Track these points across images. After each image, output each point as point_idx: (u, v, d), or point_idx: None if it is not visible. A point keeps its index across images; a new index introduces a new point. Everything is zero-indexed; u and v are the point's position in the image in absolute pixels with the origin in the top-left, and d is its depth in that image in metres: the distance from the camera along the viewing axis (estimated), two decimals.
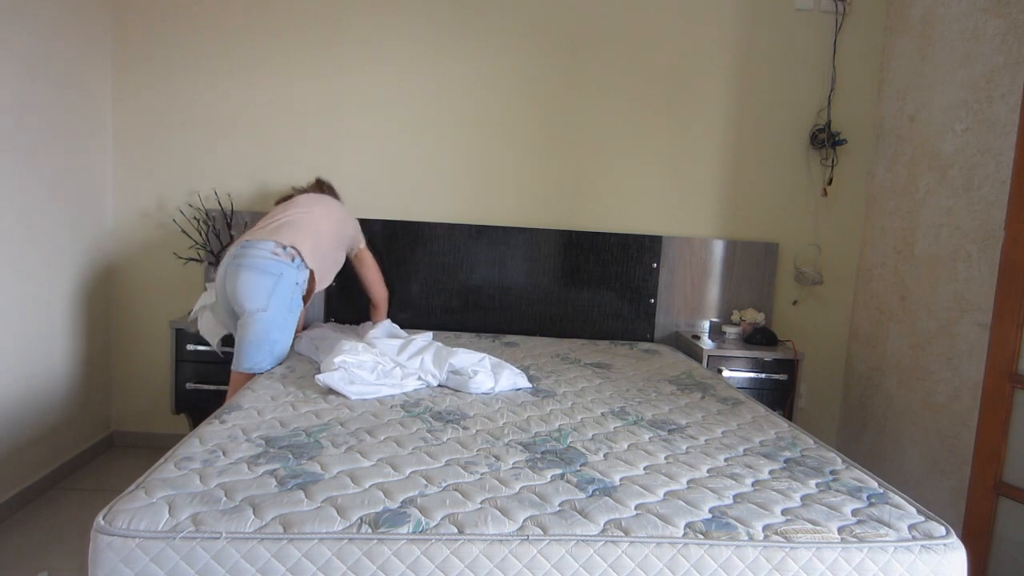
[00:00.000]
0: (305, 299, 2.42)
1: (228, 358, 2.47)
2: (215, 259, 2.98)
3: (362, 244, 2.73)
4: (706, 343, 2.92)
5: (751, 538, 1.26)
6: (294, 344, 2.49)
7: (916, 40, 2.87)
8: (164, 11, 2.99)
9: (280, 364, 2.31)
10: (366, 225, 3.05)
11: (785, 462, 1.64)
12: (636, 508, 1.34)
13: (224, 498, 1.28)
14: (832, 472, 1.59)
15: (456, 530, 1.22)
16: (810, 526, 1.30)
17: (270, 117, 3.06)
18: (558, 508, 1.32)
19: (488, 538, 1.21)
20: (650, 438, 1.77)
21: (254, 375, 2.24)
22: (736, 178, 3.20)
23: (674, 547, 1.23)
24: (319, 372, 2.07)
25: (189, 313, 2.80)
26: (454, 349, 2.28)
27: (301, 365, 2.31)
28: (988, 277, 2.35)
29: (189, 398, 2.75)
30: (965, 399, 2.45)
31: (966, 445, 2.41)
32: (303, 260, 2.35)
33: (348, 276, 3.07)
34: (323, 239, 2.47)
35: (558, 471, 1.50)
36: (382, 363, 2.14)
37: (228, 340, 2.58)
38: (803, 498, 1.43)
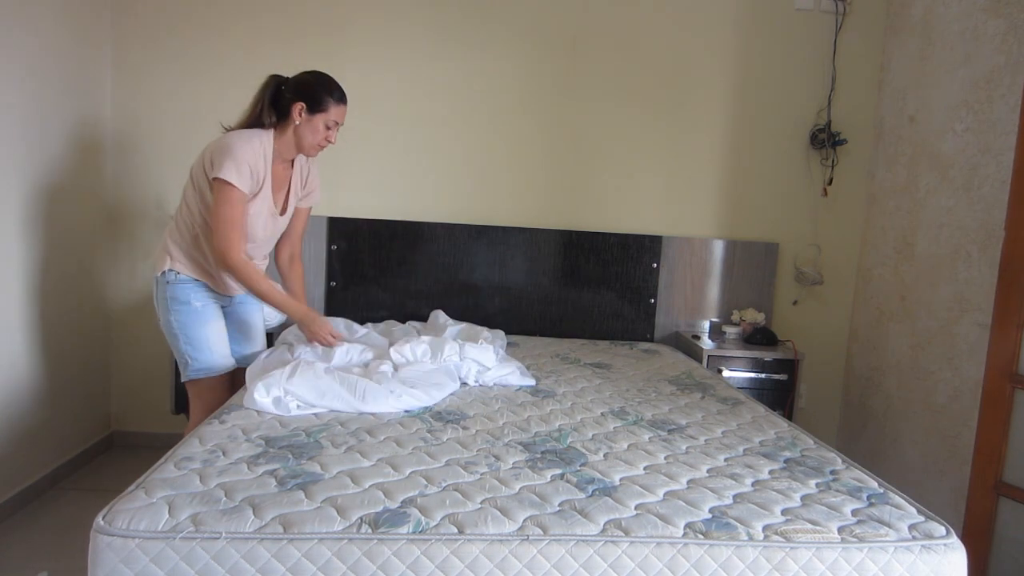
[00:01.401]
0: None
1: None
2: None
3: (217, 173, 1.94)
4: (706, 343, 2.92)
5: (751, 538, 1.26)
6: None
7: (916, 40, 2.87)
8: (165, 14, 2.99)
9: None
10: (368, 225, 3.06)
11: (785, 462, 1.64)
12: (636, 508, 1.34)
13: (224, 498, 1.28)
14: (832, 472, 1.59)
15: (456, 530, 1.22)
16: (810, 526, 1.30)
17: None
18: (558, 508, 1.32)
19: (488, 538, 1.21)
20: (650, 438, 1.77)
21: (200, 384, 2.14)
22: (736, 178, 3.20)
23: (674, 547, 1.23)
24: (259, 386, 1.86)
25: None
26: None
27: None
28: (988, 277, 2.35)
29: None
30: (965, 399, 2.45)
31: (966, 445, 2.41)
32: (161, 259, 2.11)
33: (352, 274, 3.07)
34: (185, 203, 2.10)
35: (558, 471, 1.50)
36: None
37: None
38: (803, 498, 1.43)
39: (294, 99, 2.05)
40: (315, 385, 1.86)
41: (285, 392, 1.82)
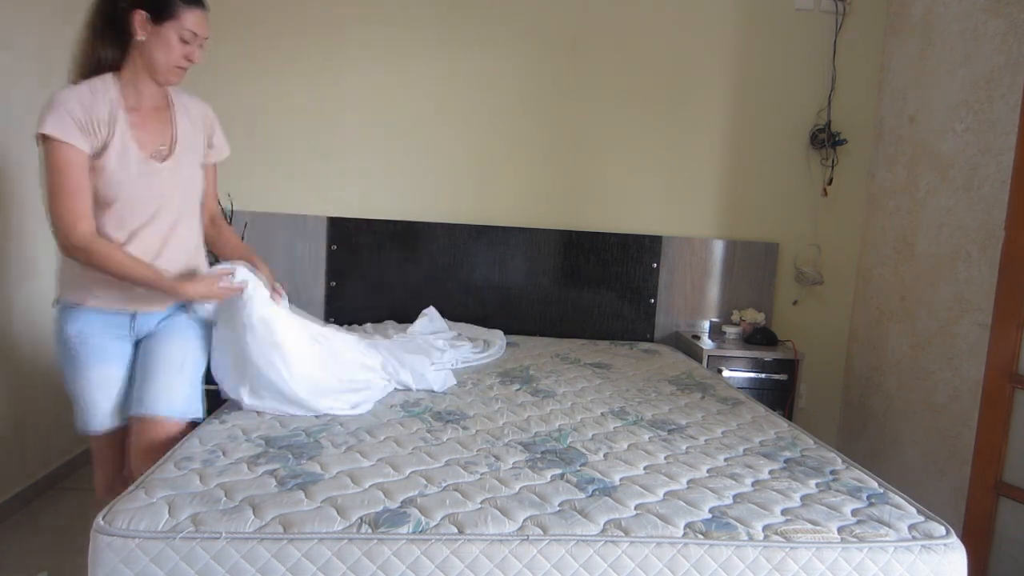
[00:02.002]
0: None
1: None
2: (214, 259, 2.97)
3: (36, 131, 1.53)
4: (706, 343, 2.92)
5: (751, 538, 1.26)
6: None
7: (916, 40, 2.87)
8: None
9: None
10: (368, 225, 3.06)
11: (785, 462, 1.64)
12: (636, 508, 1.34)
13: (224, 498, 1.28)
14: (832, 472, 1.59)
15: (456, 530, 1.22)
16: (810, 526, 1.30)
17: (271, 118, 3.06)
18: (558, 508, 1.32)
19: (488, 538, 1.21)
20: (650, 438, 1.77)
21: (93, 440, 1.74)
22: (736, 178, 3.20)
23: (674, 547, 1.23)
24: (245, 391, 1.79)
25: None
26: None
27: None
28: (988, 277, 2.35)
29: None
30: (965, 399, 2.45)
31: (966, 445, 2.41)
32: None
33: (351, 274, 3.07)
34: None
35: (558, 471, 1.50)
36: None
37: None
38: (803, 498, 1.43)
39: (132, 8, 1.55)
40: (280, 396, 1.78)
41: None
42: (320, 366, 1.84)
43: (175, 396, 1.67)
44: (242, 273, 1.73)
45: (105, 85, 1.58)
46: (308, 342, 1.84)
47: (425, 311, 2.87)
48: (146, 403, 1.64)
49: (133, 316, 1.68)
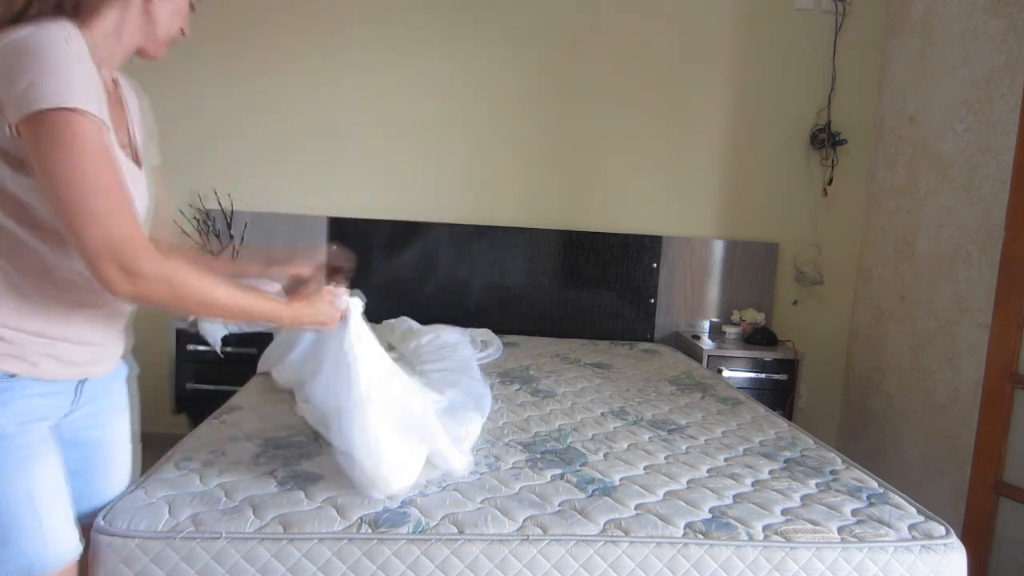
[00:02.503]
0: None
1: (228, 358, 2.44)
2: None
3: (40, 103, 0.89)
4: (706, 343, 2.92)
5: (751, 538, 1.26)
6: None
7: (916, 40, 2.87)
8: None
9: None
10: (368, 225, 3.06)
11: (785, 462, 1.64)
12: (636, 508, 1.34)
13: (224, 498, 1.28)
14: (832, 472, 1.59)
15: (456, 530, 1.22)
16: (810, 526, 1.30)
17: (271, 117, 3.06)
18: (558, 508, 1.32)
19: (488, 538, 1.21)
20: (650, 438, 1.77)
21: None
22: (736, 178, 3.20)
23: (674, 547, 1.23)
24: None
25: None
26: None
27: None
28: (988, 277, 2.35)
29: (189, 398, 2.75)
30: (965, 399, 2.45)
31: (966, 445, 2.41)
32: None
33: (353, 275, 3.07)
34: None
35: (558, 471, 1.50)
36: None
37: (228, 340, 2.55)
38: (803, 498, 1.43)
39: None
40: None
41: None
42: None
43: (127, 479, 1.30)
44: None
45: (81, 45, 0.97)
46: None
47: (393, 321, 2.71)
48: (107, 499, 1.24)
49: (81, 384, 1.13)
